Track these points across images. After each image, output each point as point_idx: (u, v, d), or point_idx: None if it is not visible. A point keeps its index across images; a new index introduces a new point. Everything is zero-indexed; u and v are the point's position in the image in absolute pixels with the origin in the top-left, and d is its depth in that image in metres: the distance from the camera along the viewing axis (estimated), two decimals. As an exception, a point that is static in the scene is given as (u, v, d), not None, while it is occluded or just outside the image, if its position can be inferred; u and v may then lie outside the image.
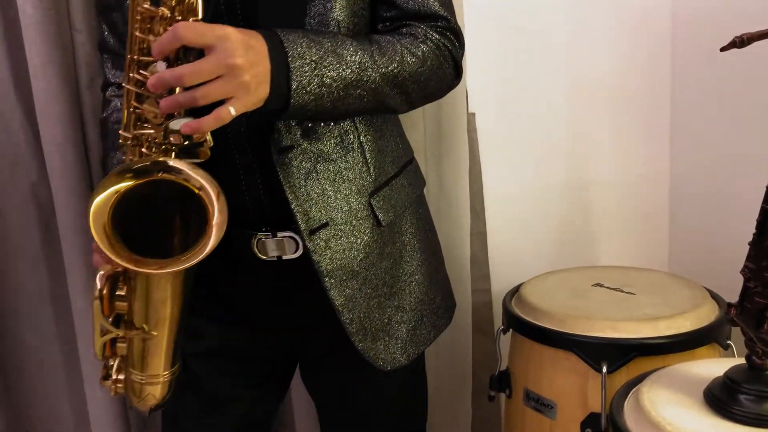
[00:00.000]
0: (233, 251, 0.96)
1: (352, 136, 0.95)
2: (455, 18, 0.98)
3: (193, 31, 0.75)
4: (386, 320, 0.98)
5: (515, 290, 1.27)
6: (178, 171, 0.80)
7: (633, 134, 1.58)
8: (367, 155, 0.96)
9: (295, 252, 0.94)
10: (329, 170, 0.93)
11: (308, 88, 0.82)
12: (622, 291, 1.20)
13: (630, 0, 1.53)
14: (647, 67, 1.56)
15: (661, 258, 1.61)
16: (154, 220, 0.86)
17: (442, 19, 0.95)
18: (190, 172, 0.80)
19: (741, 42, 0.71)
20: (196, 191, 0.80)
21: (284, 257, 0.95)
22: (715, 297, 1.18)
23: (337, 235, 0.93)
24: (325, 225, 0.92)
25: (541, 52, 1.53)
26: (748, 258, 0.72)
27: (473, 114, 1.50)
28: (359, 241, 0.95)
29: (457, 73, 1.00)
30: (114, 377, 0.89)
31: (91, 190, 1.39)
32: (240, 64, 0.76)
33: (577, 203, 1.59)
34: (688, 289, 1.19)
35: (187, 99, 0.76)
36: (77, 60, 1.35)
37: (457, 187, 1.48)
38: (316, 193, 0.91)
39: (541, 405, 1.12)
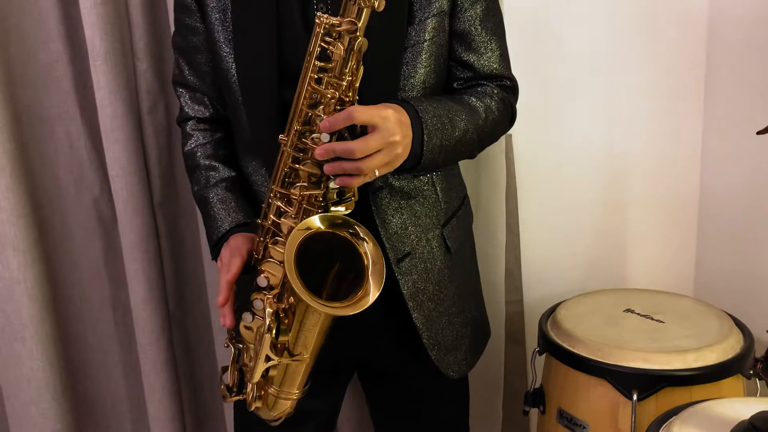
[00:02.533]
0: None
1: (426, 177, 1.10)
2: (512, 74, 1.15)
3: (364, 113, 0.89)
4: (455, 335, 1.14)
5: (550, 312, 1.35)
6: (362, 238, 0.95)
7: (666, 154, 1.63)
8: (439, 193, 1.12)
9: None
10: (411, 206, 1.09)
11: (434, 151, 0.99)
12: (652, 319, 1.27)
13: (666, 21, 1.57)
14: (681, 89, 1.60)
15: (687, 275, 1.67)
16: (317, 263, 0.97)
17: (507, 79, 1.14)
18: (367, 241, 0.95)
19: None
20: (363, 256, 0.94)
21: None
22: (740, 325, 1.25)
23: (417, 263, 1.09)
24: (408, 254, 1.08)
25: (577, 74, 1.57)
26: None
27: (510, 135, 1.56)
28: (435, 267, 1.11)
29: (511, 120, 1.17)
30: (255, 393, 1.02)
31: (151, 207, 1.48)
32: (398, 141, 0.92)
33: (607, 220, 1.66)
34: (715, 319, 1.26)
35: (352, 168, 0.90)
36: (139, 87, 1.42)
37: (494, 205, 1.55)
38: (400, 227, 1.07)
39: (574, 425, 1.21)
